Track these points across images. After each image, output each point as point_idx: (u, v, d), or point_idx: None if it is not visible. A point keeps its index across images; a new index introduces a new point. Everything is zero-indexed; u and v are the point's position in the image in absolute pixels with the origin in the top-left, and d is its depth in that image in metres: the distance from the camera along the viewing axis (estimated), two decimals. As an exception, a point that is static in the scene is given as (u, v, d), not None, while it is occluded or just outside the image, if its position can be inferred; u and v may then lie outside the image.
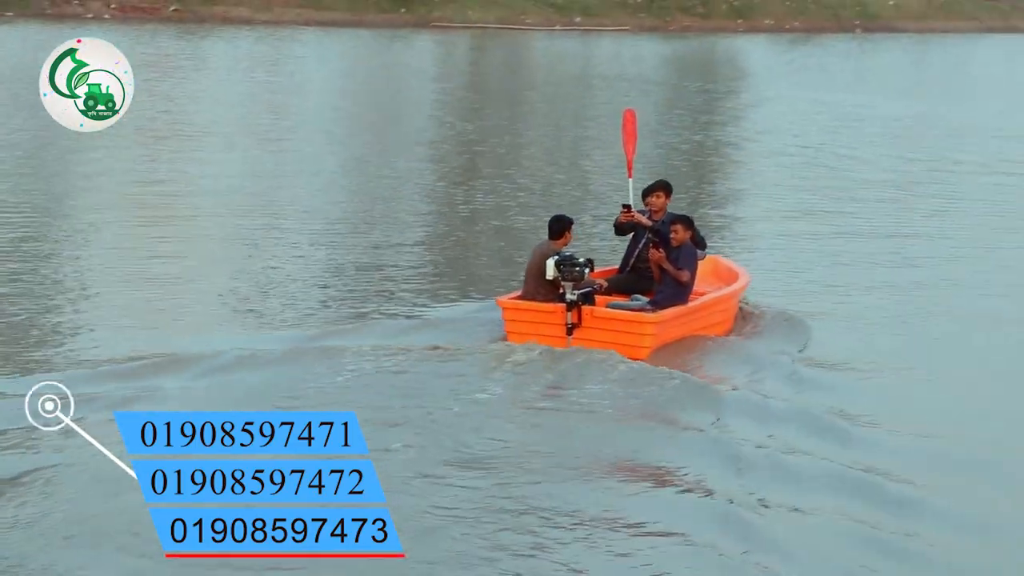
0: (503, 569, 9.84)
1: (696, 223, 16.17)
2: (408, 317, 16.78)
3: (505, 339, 15.22)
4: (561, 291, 15.15)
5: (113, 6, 64.73)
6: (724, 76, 54.13)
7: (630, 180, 16.97)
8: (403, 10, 69.44)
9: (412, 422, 12.45)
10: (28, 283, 17.88)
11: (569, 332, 15.04)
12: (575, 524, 10.51)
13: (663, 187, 16.38)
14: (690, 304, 15.58)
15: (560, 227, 15.63)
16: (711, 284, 16.79)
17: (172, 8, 68.36)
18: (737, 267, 17.29)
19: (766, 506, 11.11)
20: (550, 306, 15.12)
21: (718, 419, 13.23)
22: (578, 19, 71.98)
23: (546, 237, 15.74)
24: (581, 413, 13.20)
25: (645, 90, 47.39)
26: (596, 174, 29.06)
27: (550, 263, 15.19)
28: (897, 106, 45.20)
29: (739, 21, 74.47)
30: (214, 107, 35.51)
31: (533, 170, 29.53)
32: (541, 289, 15.31)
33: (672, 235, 15.67)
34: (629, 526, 10.57)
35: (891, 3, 78.84)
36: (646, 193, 16.40)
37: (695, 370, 14.71)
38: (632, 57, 59.60)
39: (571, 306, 15.03)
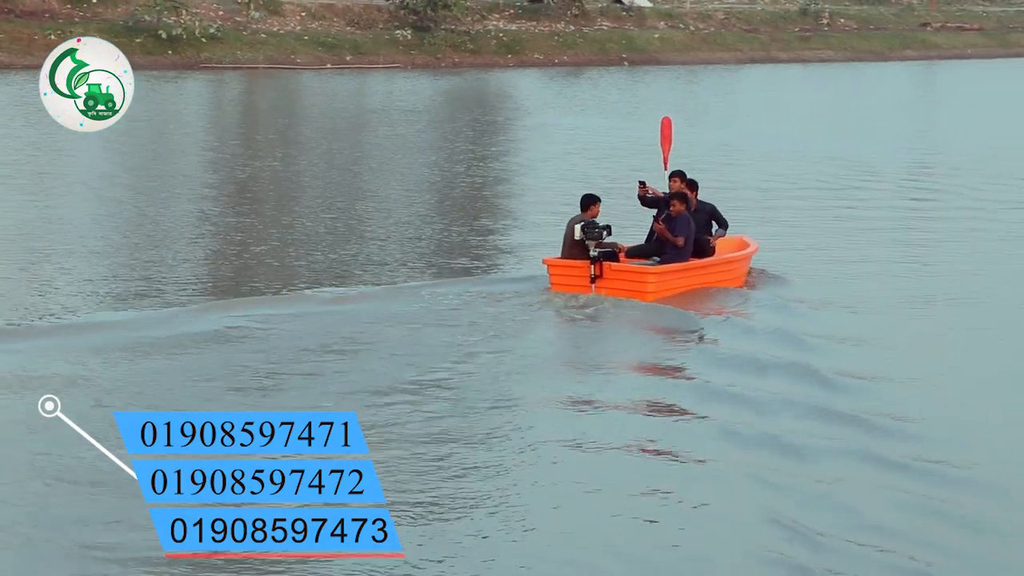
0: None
1: (718, 207, 21.38)
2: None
3: (549, 288, 20.23)
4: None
5: None
6: (500, 109, 54.66)
7: (666, 172, 21.46)
8: (169, 52, 68.50)
9: (478, 340, 17.41)
10: None
11: (592, 281, 19.87)
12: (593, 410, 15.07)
13: (678, 174, 21.16)
14: (689, 262, 20.31)
15: (588, 201, 20.34)
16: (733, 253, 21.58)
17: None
18: (752, 241, 21.88)
19: (732, 386, 15.64)
20: (579, 262, 19.94)
21: (706, 337, 18.19)
22: (349, 58, 71.96)
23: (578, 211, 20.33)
24: (600, 333, 18.54)
25: (423, 124, 47.56)
26: (375, 205, 29.14)
27: (577, 227, 19.83)
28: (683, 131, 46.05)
29: (508, 56, 75.28)
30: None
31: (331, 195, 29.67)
32: (575, 251, 20.01)
33: (671, 208, 20.25)
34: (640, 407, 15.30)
35: (656, 36, 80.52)
36: (669, 178, 21.18)
37: (692, 308, 19.39)
38: (406, 92, 59.78)
39: (593, 261, 19.83)
